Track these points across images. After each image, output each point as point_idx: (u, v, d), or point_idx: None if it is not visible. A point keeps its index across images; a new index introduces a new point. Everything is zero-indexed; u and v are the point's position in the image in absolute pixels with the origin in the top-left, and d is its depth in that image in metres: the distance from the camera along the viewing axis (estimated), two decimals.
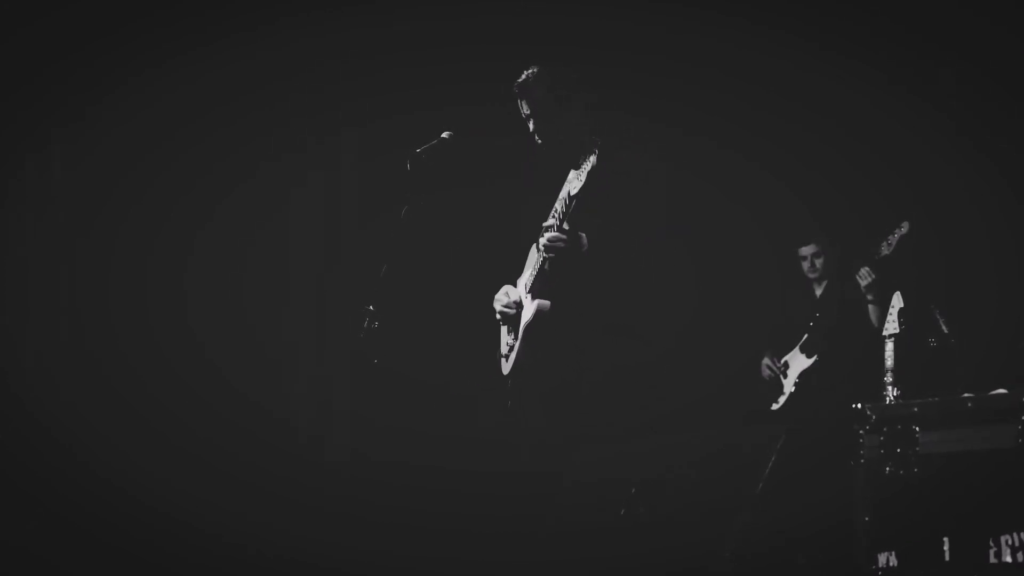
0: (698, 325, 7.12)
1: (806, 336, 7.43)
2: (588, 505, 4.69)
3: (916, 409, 4.65)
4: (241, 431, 7.30)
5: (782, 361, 7.52)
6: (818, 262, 7.54)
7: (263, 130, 7.62)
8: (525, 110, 5.28)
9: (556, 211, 5.21)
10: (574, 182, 5.03)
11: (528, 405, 5.31)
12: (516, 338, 5.31)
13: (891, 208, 7.11)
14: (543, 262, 5.11)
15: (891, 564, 4.56)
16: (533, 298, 5.22)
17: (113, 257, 7.40)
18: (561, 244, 5.02)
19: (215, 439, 7.27)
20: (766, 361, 7.56)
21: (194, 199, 7.47)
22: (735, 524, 4.33)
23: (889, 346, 5.16)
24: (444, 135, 5.27)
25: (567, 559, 4.67)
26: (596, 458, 4.83)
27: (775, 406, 7.45)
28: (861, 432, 4.70)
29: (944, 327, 6.14)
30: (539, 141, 5.30)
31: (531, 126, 5.29)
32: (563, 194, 5.23)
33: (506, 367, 5.40)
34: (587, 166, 4.92)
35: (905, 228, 6.97)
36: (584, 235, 5.04)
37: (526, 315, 5.24)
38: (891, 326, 5.23)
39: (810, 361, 7.38)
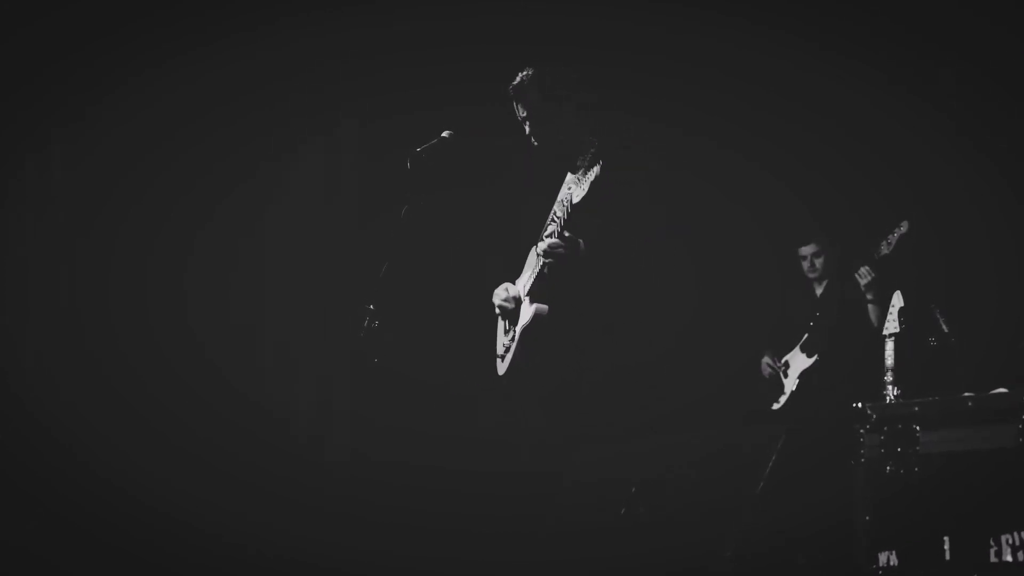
0: (698, 325, 7.11)
1: (806, 336, 7.43)
2: (588, 505, 4.69)
3: (916, 408, 4.65)
4: (241, 431, 7.30)
5: (782, 361, 7.52)
6: (818, 262, 7.54)
7: (263, 130, 7.62)
8: (521, 113, 5.28)
9: (556, 216, 5.21)
10: (575, 189, 5.02)
11: (525, 406, 5.31)
12: (513, 339, 5.31)
13: (891, 208, 7.11)
14: (542, 267, 5.11)
15: (892, 563, 4.56)
16: (531, 301, 5.22)
17: (113, 257, 7.40)
18: (561, 251, 5.02)
19: (215, 439, 7.27)
20: (766, 360, 7.57)
21: (194, 199, 7.48)
22: (735, 524, 4.33)
23: (889, 345, 5.15)
24: (444, 134, 5.27)
25: (567, 559, 4.67)
26: (596, 458, 4.83)
27: (776, 405, 7.45)
28: (861, 431, 4.70)
29: (944, 326, 6.14)
30: (535, 144, 5.29)
31: (527, 129, 5.29)
32: (562, 197, 5.23)
33: (501, 368, 5.41)
34: (590, 176, 4.90)
35: (905, 228, 6.97)
36: (582, 241, 5.03)
37: (523, 318, 5.24)
38: (891, 325, 5.22)
39: (811, 361, 7.38)
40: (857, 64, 7.12)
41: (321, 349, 7.61)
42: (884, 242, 7.03)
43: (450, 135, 5.27)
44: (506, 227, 5.71)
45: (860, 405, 4.74)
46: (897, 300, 5.26)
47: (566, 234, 5.02)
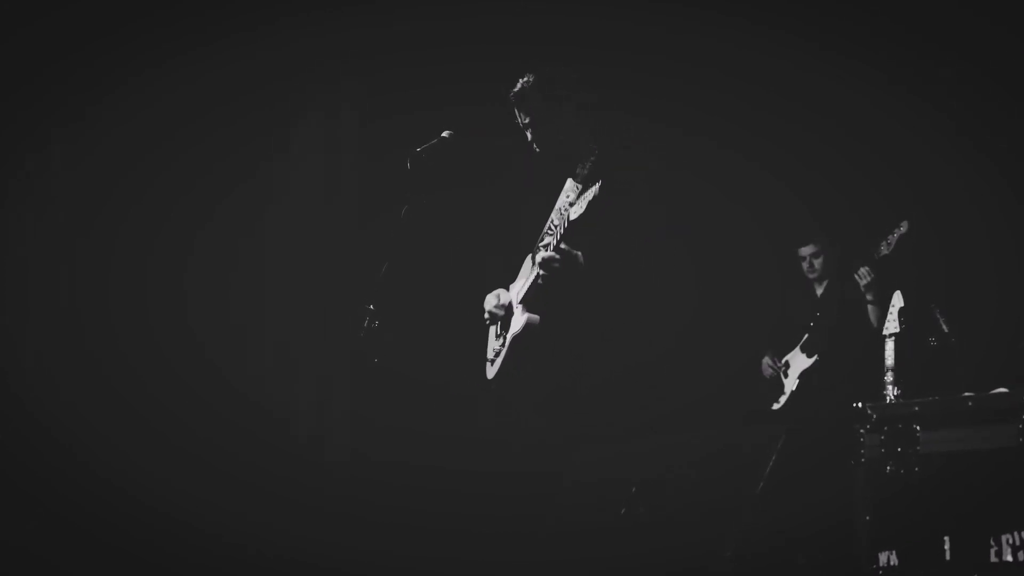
0: (698, 325, 7.11)
1: (807, 336, 7.43)
2: (588, 505, 4.69)
3: (917, 408, 4.66)
4: (241, 431, 7.30)
5: (783, 361, 7.52)
6: (817, 262, 7.55)
7: (263, 130, 7.62)
8: (523, 119, 5.27)
9: (553, 224, 5.20)
10: (575, 204, 4.99)
11: (521, 408, 5.31)
12: (503, 345, 5.32)
13: (891, 208, 7.11)
14: (537, 276, 5.11)
15: (892, 563, 4.56)
16: (524, 310, 5.22)
17: (113, 257, 7.40)
18: (556, 265, 5.02)
19: (215, 439, 7.27)
20: (767, 361, 7.57)
21: (194, 199, 7.47)
22: (735, 524, 4.33)
23: (889, 345, 5.15)
24: (444, 134, 5.27)
25: (567, 559, 4.66)
26: (596, 458, 4.82)
27: (776, 405, 7.46)
28: (862, 431, 4.70)
29: (944, 326, 6.15)
30: (537, 150, 5.29)
31: (529, 135, 5.28)
32: (560, 205, 5.22)
33: (491, 371, 5.41)
34: (588, 195, 4.89)
35: (904, 228, 6.97)
36: (580, 254, 5.03)
37: (515, 326, 5.24)
38: (891, 325, 5.23)
39: (811, 361, 7.38)
40: (857, 64, 7.13)
41: (321, 349, 7.60)
42: (884, 242, 7.03)
43: (450, 135, 5.26)
44: (506, 228, 5.70)
45: (860, 405, 4.74)
46: (897, 300, 5.26)
47: (563, 246, 5.02)
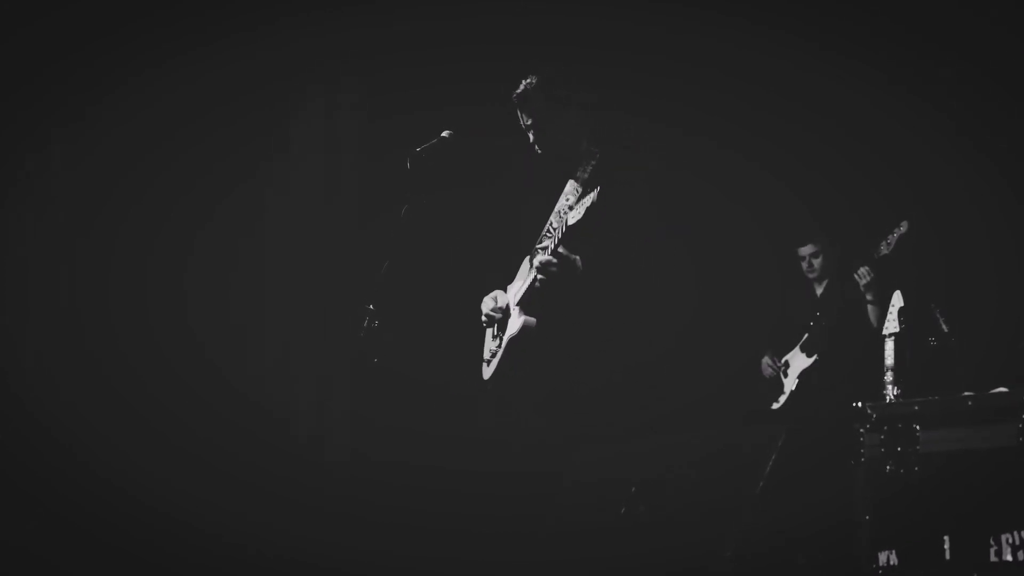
0: (698, 325, 7.10)
1: (806, 335, 7.43)
2: (588, 505, 4.69)
3: (916, 408, 4.65)
4: (241, 431, 7.29)
5: (782, 360, 7.52)
6: (816, 262, 7.55)
7: (263, 130, 7.62)
8: (525, 121, 5.27)
9: (552, 227, 5.20)
10: (574, 209, 4.98)
11: (519, 409, 5.31)
12: (500, 346, 5.32)
13: (891, 208, 7.11)
14: (535, 280, 5.11)
15: (891, 563, 4.56)
16: (521, 312, 5.22)
17: (113, 257, 7.40)
18: (553, 269, 5.03)
19: (215, 439, 7.27)
20: (766, 360, 7.57)
21: (194, 199, 7.47)
22: (735, 524, 4.33)
23: (889, 345, 5.15)
24: (444, 134, 5.27)
25: (567, 559, 4.66)
26: (596, 458, 4.83)
27: (776, 405, 7.46)
28: (861, 431, 4.70)
29: (944, 326, 6.14)
30: (539, 151, 5.29)
31: (531, 137, 5.28)
32: (559, 208, 5.22)
33: (487, 372, 5.41)
34: (586, 201, 4.89)
35: (904, 227, 6.97)
36: (578, 258, 5.03)
37: (512, 328, 5.24)
38: (891, 325, 5.22)
39: (810, 360, 7.38)
40: (857, 64, 7.12)
41: (321, 349, 7.60)
42: (884, 242, 7.03)
43: (450, 135, 5.26)
44: (505, 228, 5.70)
45: (860, 404, 4.74)
46: (897, 300, 5.26)
47: (561, 250, 5.02)
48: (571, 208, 5.02)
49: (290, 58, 7.53)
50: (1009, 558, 4.33)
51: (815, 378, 7.35)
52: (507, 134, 5.50)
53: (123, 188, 7.44)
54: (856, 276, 7.12)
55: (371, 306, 5.11)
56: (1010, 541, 4.34)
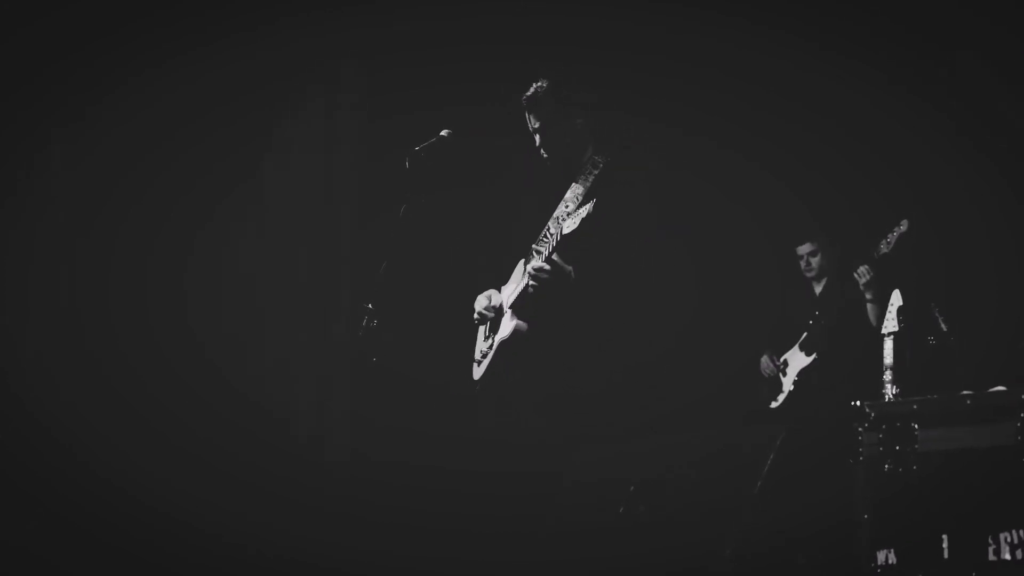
0: (698, 325, 7.11)
1: (805, 334, 7.43)
2: (588, 505, 4.69)
3: (915, 407, 4.65)
4: (241, 431, 7.29)
5: (781, 359, 7.52)
6: (814, 261, 7.55)
7: (263, 130, 7.63)
8: (533, 124, 5.27)
9: (549, 233, 5.20)
10: (569, 218, 4.98)
11: (513, 409, 5.31)
12: (491, 348, 5.32)
13: (891, 208, 7.10)
14: (527, 285, 5.11)
15: (890, 562, 4.56)
16: (513, 315, 5.22)
17: (113, 257, 7.39)
18: (545, 276, 5.03)
19: (215, 439, 7.27)
20: (765, 359, 7.57)
21: (194, 199, 7.47)
22: (735, 524, 4.33)
23: (888, 344, 5.15)
24: (443, 133, 5.27)
25: (567, 559, 4.66)
26: (596, 458, 4.83)
27: (774, 404, 7.46)
28: (860, 430, 4.70)
29: (943, 325, 6.14)
30: (545, 155, 5.29)
31: (537, 140, 5.28)
32: (558, 213, 5.22)
33: (477, 372, 5.42)
34: (582, 212, 4.89)
35: (904, 227, 6.97)
36: (572, 268, 5.04)
37: (503, 331, 5.24)
38: (890, 324, 5.22)
39: (809, 359, 7.38)
40: (857, 64, 7.12)
41: (321, 349, 7.60)
42: (884, 241, 7.03)
43: (448, 134, 5.26)
44: (505, 228, 5.71)
45: (858, 403, 4.74)
46: (896, 299, 5.26)
47: (555, 258, 5.02)
48: (569, 215, 5.03)
49: (290, 58, 7.53)
50: (1007, 557, 4.33)
51: (814, 377, 7.35)
52: (507, 134, 5.50)
53: (123, 188, 7.44)
54: (856, 275, 7.12)
55: (370, 305, 5.11)
56: (1008, 540, 4.34)
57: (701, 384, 7.05)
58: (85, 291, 7.38)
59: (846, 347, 7.19)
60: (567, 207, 5.16)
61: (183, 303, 7.39)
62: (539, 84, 5.25)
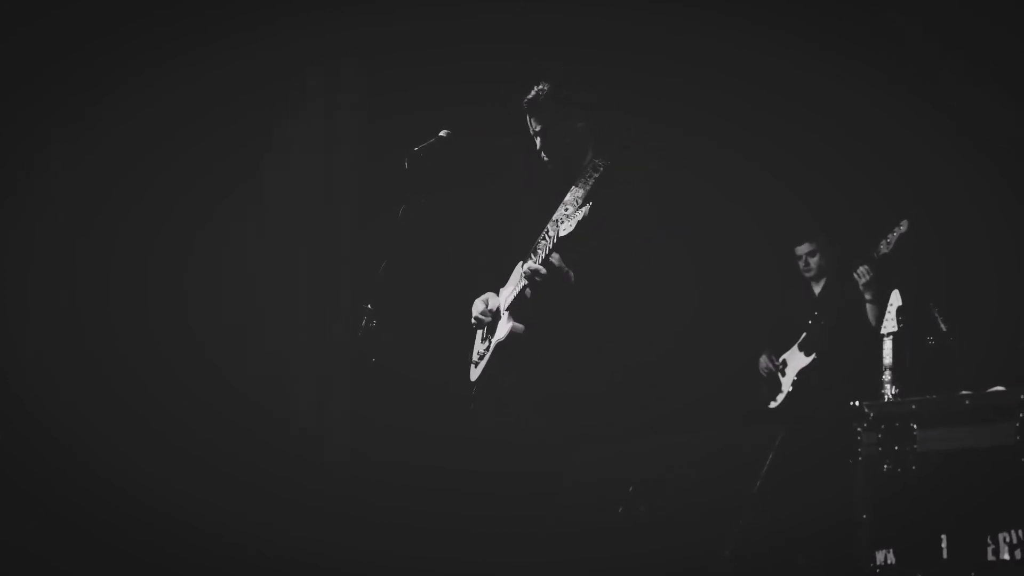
0: (698, 325, 7.11)
1: (804, 334, 7.43)
2: (588, 505, 4.69)
3: (914, 407, 4.65)
4: (241, 431, 7.29)
5: (780, 359, 7.52)
6: (812, 261, 7.55)
7: (263, 130, 7.63)
8: (534, 127, 5.27)
9: (547, 235, 5.20)
10: (567, 221, 4.98)
11: (513, 410, 5.31)
12: (488, 349, 5.33)
13: (891, 208, 7.10)
14: (524, 287, 5.11)
15: (889, 562, 4.55)
16: (510, 317, 5.22)
17: (113, 257, 7.40)
18: (540, 278, 5.03)
19: (215, 439, 7.27)
20: (764, 359, 7.56)
21: (194, 199, 7.48)
22: (735, 524, 4.33)
23: (887, 344, 5.15)
24: (442, 133, 5.27)
25: (567, 559, 4.66)
26: (596, 458, 4.83)
27: (773, 404, 7.45)
28: (859, 430, 4.70)
29: (942, 325, 6.14)
30: (545, 158, 5.29)
31: (538, 143, 5.28)
32: (557, 216, 5.22)
33: (474, 373, 5.42)
34: (578, 215, 4.89)
35: (904, 227, 6.96)
36: (569, 270, 5.04)
37: (500, 333, 5.24)
38: (889, 324, 5.22)
39: (808, 359, 7.38)
40: (857, 64, 7.12)
41: (321, 349, 7.61)
42: (883, 241, 7.02)
43: (447, 134, 5.26)
44: (504, 228, 5.71)
45: (857, 403, 4.74)
46: (895, 299, 5.26)
47: (553, 259, 5.02)
48: (568, 217, 5.03)
49: (290, 58, 7.54)
50: (1006, 557, 4.32)
51: (813, 377, 7.35)
52: (507, 134, 5.50)
53: (123, 188, 7.44)
54: (855, 275, 7.12)
55: (369, 306, 5.11)
56: (1007, 540, 4.34)
57: (701, 384, 7.05)
58: (85, 291, 7.38)
59: (846, 347, 7.19)
60: (566, 210, 5.16)
61: (183, 303, 7.40)
62: (540, 87, 5.25)
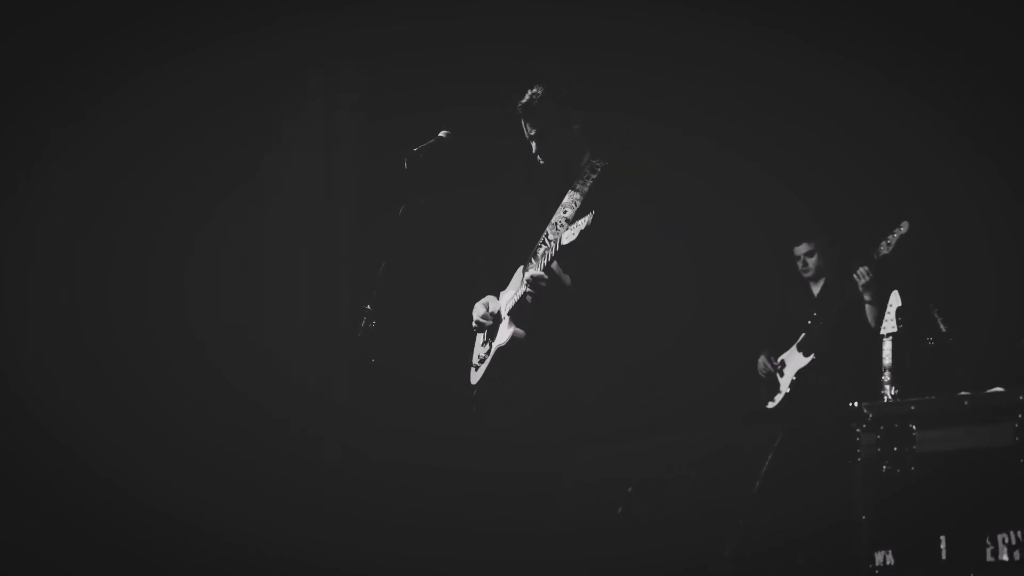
0: (698, 325, 7.11)
1: (803, 335, 7.42)
2: (588, 505, 4.69)
3: (913, 408, 4.65)
4: (241, 431, 7.30)
5: (779, 360, 7.52)
6: (810, 261, 7.54)
7: (263, 130, 7.63)
8: (529, 131, 5.27)
9: (547, 239, 5.20)
10: (569, 228, 4.98)
11: (513, 412, 5.32)
12: (488, 352, 5.32)
13: (891, 208, 7.10)
14: (525, 294, 5.11)
15: (888, 563, 4.55)
16: (511, 322, 5.23)
17: (113, 257, 7.40)
18: (543, 285, 5.04)
19: (215, 439, 7.27)
20: (762, 359, 7.56)
21: (194, 199, 7.48)
22: (735, 524, 4.33)
23: (887, 345, 5.15)
24: (441, 134, 5.27)
25: (567, 559, 4.67)
26: (596, 458, 4.83)
27: (771, 404, 7.45)
28: (858, 431, 4.70)
29: (942, 326, 6.14)
30: (541, 162, 5.29)
31: (533, 147, 5.28)
32: (557, 219, 5.22)
33: (475, 377, 5.42)
34: (580, 224, 4.89)
35: (904, 228, 6.95)
36: (569, 278, 5.04)
37: (501, 338, 5.25)
38: (889, 325, 5.22)
39: (807, 360, 7.37)
40: (857, 64, 7.12)
41: (321, 349, 7.61)
42: (883, 243, 7.02)
43: (447, 135, 5.26)
44: (504, 229, 5.71)
45: (856, 404, 4.74)
46: (895, 300, 5.26)
47: (553, 267, 5.02)
48: (568, 221, 5.03)
49: (290, 57, 7.54)
50: (1005, 558, 4.32)
51: (812, 378, 7.35)
52: (506, 134, 5.50)
53: (123, 188, 7.44)
54: (855, 276, 7.11)
55: (368, 306, 5.11)
56: (1006, 541, 4.34)
57: (701, 384, 7.05)
58: (85, 291, 7.38)
59: (845, 348, 7.18)
60: (565, 212, 5.16)
61: (183, 303, 7.40)
62: (534, 91, 5.25)
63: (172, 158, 7.48)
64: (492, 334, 5.35)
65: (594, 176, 5.19)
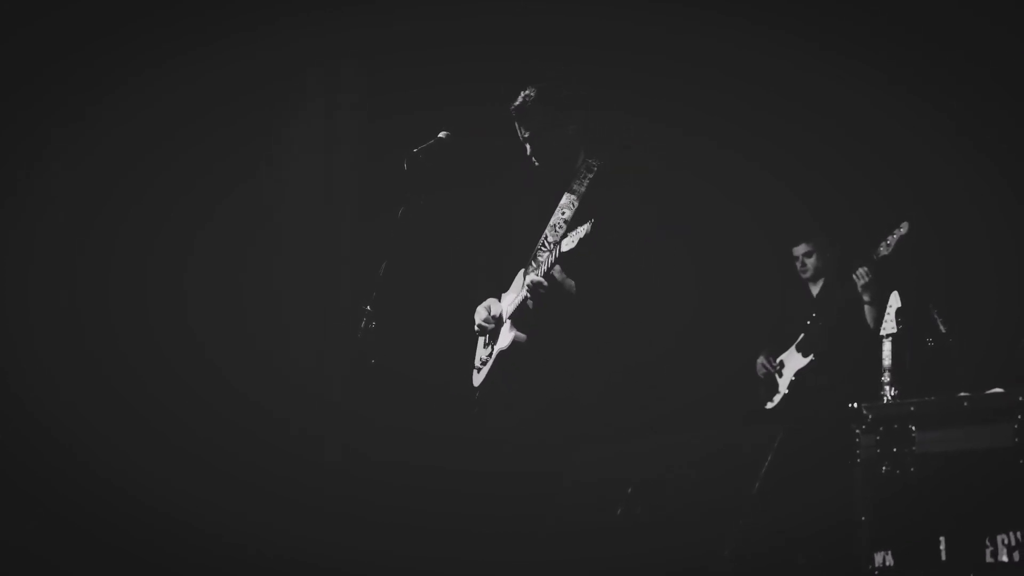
0: (698, 325, 7.11)
1: (802, 335, 7.42)
2: (588, 505, 4.69)
3: (912, 408, 4.65)
4: (241, 431, 7.30)
5: (778, 360, 7.52)
6: (809, 261, 7.54)
7: (263, 130, 7.63)
8: (523, 133, 5.28)
9: (547, 242, 5.20)
10: (568, 235, 4.97)
11: (513, 414, 5.32)
12: (491, 356, 5.33)
13: (891, 208, 7.10)
14: (526, 298, 5.12)
15: (887, 563, 4.55)
16: (512, 326, 5.23)
17: (113, 257, 7.40)
18: (543, 291, 5.04)
19: (215, 439, 7.27)
20: (761, 359, 7.56)
21: (194, 199, 7.48)
22: (735, 524, 4.33)
23: (887, 346, 5.15)
24: (441, 135, 5.27)
25: (567, 559, 4.67)
26: (596, 458, 4.83)
27: (770, 404, 7.45)
28: (858, 431, 4.70)
29: (941, 327, 6.14)
30: (536, 164, 5.29)
31: (528, 149, 5.28)
32: (555, 221, 5.22)
33: (477, 379, 5.42)
34: (580, 233, 4.88)
35: (904, 229, 6.95)
36: (571, 282, 5.04)
37: (502, 342, 5.25)
38: (889, 326, 5.22)
39: (806, 360, 7.37)
40: (857, 64, 7.12)
41: (321, 349, 7.61)
42: (883, 243, 7.02)
43: (447, 136, 5.26)
44: (503, 230, 5.71)
45: (856, 405, 4.74)
46: (895, 300, 5.26)
47: (554, 273, 5.03)
48: (566, 223, 5.03)
49: (290, 58, 7.54)
50: (1005, 559, 4.32)
51: (810, 378, 7.35)
52: (506, 134, 5.50)
53: (123, 188, 7.44)
54: (855, 277, 7.11)
55: (368, 307, 5.11)
56: (1006, 542, 4.34)
57: (701, 384, 7.05)
58: (85, 291, 7.38)
59: (844, 348, 7.18)
60: (563, 214, 5.16)
61: (183, 303, 7.39)
62: (527, 93, 5.25)
63: (172, 158, 7.47)
64: (493, 337, 5.35)
65: (590, 176, 5.19)
